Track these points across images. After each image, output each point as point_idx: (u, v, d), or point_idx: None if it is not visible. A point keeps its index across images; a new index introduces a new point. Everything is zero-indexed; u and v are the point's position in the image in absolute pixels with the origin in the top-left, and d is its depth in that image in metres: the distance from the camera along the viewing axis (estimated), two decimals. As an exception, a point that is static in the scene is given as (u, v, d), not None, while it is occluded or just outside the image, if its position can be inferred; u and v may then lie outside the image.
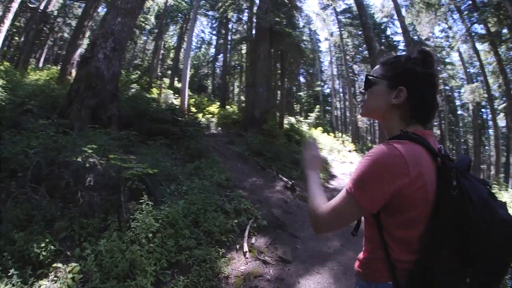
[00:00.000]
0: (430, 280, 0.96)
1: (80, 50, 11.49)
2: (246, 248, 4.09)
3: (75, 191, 3.23)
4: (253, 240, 4.45)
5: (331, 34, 27.41)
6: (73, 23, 18.05)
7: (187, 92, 13.34)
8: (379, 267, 1.10)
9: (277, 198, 6.40)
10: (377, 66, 1.26)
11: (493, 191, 1.03)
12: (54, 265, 2.53)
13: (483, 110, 27.28)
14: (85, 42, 12.34)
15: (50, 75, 11.32)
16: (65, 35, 21.33)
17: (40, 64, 17.17)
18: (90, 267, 2.60)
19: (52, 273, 2.48)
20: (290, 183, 7.43)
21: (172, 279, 3.03)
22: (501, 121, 19.90)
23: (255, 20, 14.61)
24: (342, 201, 1.07)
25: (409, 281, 1.01)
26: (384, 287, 1.07)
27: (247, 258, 3.94)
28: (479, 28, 16.29)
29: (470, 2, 14.95)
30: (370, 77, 1.24)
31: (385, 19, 23.86)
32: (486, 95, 16.37)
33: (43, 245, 2.56)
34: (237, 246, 4.14)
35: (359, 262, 1.24)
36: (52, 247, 2.61)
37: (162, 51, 23.41)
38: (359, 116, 26.08)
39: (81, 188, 3.26)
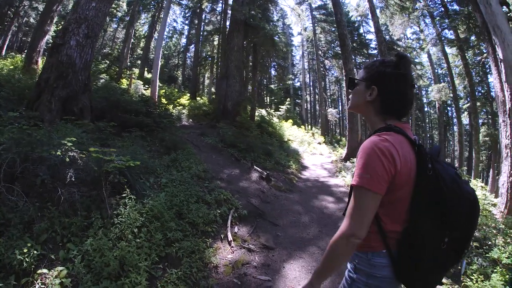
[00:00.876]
0: (417, 243, 1.16)
1: (48, 37, 10.50)
2: (230, 238, 4.08)
3: (52, 188, 2.93)
4: (235, 229, 4.45)
5: (305, 29, 27.65)
6: (41, 7, 16.01)
7: (158, 83, 12.88)
8: (374, 238, 1.25)
9: (254, 188, 6.42)
10: (361, 70, 1.45)
11: (459, 173, 1.26)
12: (39, 271, 2.26)
13: (448, 108, 29.40)
14: (53, 28, 11.32)
15: (14, 64, 10.24)
16: (31, 20, 18.99)
17: (3, 52, 15.51)
18: (79, 269, 2.38)
19: (38, 280, 2.23)
20: (265, 173, 7.48)
21: (165, 273, 2.92)
22: (465, 119, 21.52)
23: (229, 12, 14.32)
24: (356, 201, 1.17)
25: (399, 248, 1.22)
26: (379, 255, 1.25)
27: (232, 247, 3.93)
28: (449, 33, 17.23)
29: (443, 9, 15.66)
30: (355, 80, 1.45)
31: (359, 18, 24.45)
32: (452, 95, 17.40)
33: (25, 250, 2.28)
34: (222, 236, 4.12)
35: None
36: (35, 251, 2.33)
37: (132, 40, 22.25)
38: (329, 110, 26.76)
39: (60, 185, 2.97)
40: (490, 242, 3.94)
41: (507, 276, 2.82)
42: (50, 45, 8.21)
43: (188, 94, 19.92)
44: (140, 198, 3.68)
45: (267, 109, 19.57)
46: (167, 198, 4.00)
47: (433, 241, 1.15)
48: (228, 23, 14.99)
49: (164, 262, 3.09)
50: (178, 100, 16.19)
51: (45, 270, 2.29)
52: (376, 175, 1.13)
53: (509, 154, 5.54)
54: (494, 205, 5.76)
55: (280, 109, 19.77)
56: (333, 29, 25.05)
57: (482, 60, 14.67)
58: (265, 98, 32.90)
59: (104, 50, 23.94)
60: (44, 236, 2.56)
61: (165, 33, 22.91)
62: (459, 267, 1.29)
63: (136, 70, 20.07)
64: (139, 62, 24.39)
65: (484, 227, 4.34)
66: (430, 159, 1.17)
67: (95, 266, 2.47)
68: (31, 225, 2.58)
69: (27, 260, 2.25)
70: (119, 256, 2.62)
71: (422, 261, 1.17)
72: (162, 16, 16.49)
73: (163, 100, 13.66)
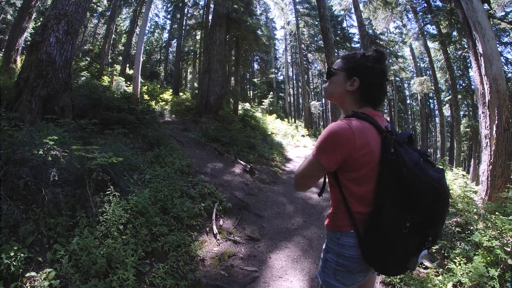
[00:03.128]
0: (381, 225, 1.22)
1: (26, 35, 9.94)
2: (215, 230, 4.12)
3: (36, 190, 2.88)
4: (220, 222, 4.49)
5: (288, 23, 27.43)
6: (18, 3, 15.02)
7: (140, 79, 12.62)
8: (342, 218, 1.35)
9: (238, 181, 6.46)
10: (338, 60, 1.49)
11: (430, 159, 1.31)
12: (27, 274, 2.24)
13: (430, 100, 29.98)
14: (32, 25, 10.79)
15: (-10, 63, 9.89)
16: (9, 17, 18.05)
17: (-21, 52, 14.73)
18: (67, 270, 2.37)
19: (27, 284, 2.20)
20: (249, 166, 7.52)
21: (152, 268, 2.94)
22: (446, 111, 22.14)
23: (212, 6, 14.08)
24: (308, 164, 1.36)
25: (365, 229, 1.28)
26: (347, 235, 1.33)
27: (218, 239, 3.97)
28: (431, 29, 17.35)
29: (426, 4, 15.70)
30: (332, 69, 1.49)
31: (342, 12, 24.27)
32: (433, 88, 17.64)
33: (12, 254, 2.24)
34: (207, 229, 4.15)
35: (327, 218, 1.46)
36: (22, 255, 2.30)
37: (113, 36, 21.54)
38: (312, 103, 26.87)
39: (43, 185, 2.92)
40: (472, 227, 4.09)
41: (488, 258, 2.91)
42: (29, 43, 7.87)
43: (171, 90, 19.62)
44: (125, 195, 3.68)
45: (250, 103, 19.50)
46: (151, 193, 4.00)
47: (396, 225, 1.19)
48: (210, 17, 14.75)
49: (151, 257, 3.11)
50: (161, 96, 15.93)
51: (33, 273, 2.27)
52: (327, 153, 1.26)
53: (488, 144, 5.66)
54: (475, 192, 5.94)
55: (263, 103, 19.77)
56: (316, 23, 24.93)
57: (463, 54, 15.00)
58: (248, 92, 32.76)
59: (85, 47, 22.96)
60: (31, 238, 2.53)
61: (147, 28, 22.20)
62: (417, 258, 1.28)
63: (118, 67, 19.45)
64: (120, 58, 23.54)
65: (466, 213, 4.50)
66: (393, 144, 1.22)
67: (82, 265, 2.47)
68: (17, 229, 2.54)
69: (14, 264, 2.22)
70: (106, 254, 2.63)
71: (385, 243, 1.22)
72: (144, 10, 16.00)
73: (146, 97, 13.41)
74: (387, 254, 1.25)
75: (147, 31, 26.36)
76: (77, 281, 2.34)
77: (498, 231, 3.20)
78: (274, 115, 19.53)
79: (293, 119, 31.99)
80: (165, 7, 28.49)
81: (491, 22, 6.37)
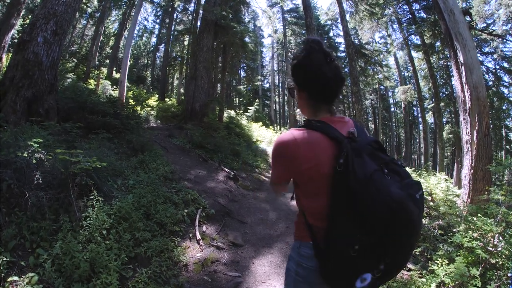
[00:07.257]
0: (330, 243, 1.11)
1: (13, 31, 9.60)
2: (198, 236, 4.14)
3: (19, 193, 2.82)
4: (204, 228, 4.52)
5: (275, 31, 27.74)
6: None
7: (126, 83, 12.49)
8: (302, 228, 1.28)
9: (222, 188, 6.50)
10: None
11: (401, 169, 1.14)
12: (10, 279, 2.19)
13: (414, 108, 30.74)
14: (19, 22, 10.41)
15: (-25, 61, 9.50)
16: None
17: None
18: (50, 274, 2.35)
19: None
20: (232, 173, 7.56)
21: (135, 273, 2.94)
22: (430, 118, 22.72)
23: (201, 12, 14.15)
24: (271, 175, 1.40)
25: (322, 243, 1.16)
26: (306, 246, 1.25)
27: (201, 245, 4.00)
28: (415, 39, 17.97)
29: (410, 16, 16.34)
30: (291, 88, 1.44)
31: (329, 22, 24.75)
32: (417, 96, 18.17)
33: None
34: (190, 235, 4.17)
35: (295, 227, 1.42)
36: (4, 258, 2.27)
37: (101, 38, 21.15)
38: (297, 110, 27.04)
39: (27, 188, 2.87)
40: (454, 230, 4.25)
41: (470, 258, 3.00)
42: (16, 41, 7.61)
43: (157, 95, 19.46)
44: (108, 200, 3.66)
45: (236, 110, 19.55)
46: (134, 199, 3.99)
47: (346, 245, 1.04)
48: (199, 23, 14.81)
49: (134, 262, 3.11)
50: (147, 101, 15.78)
51: (15, 278, 2.24)
52: (275, 170, 1.32)
53: (469, 149, 5.91)
54: (458, 195, 6.19)
55: (248, 110, 19.86)
56: (304, 32, 25.39)
57: (446, 63, 15.66)
58: (234, 99, 32.88)
59: (72, 48, 22.31)
60: (13, 242, 2.49)
61: (136, 31, 22.02)
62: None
63: (105, 70, 19.03)
64: (107, 61, 23.22)
65: (448, 216, 4.68)
66: (346, 154, 1.06)
67: (65, 270, 2.45)
68: (-2, 232, 2.50)
69: (-4, 268, 2.18)
70: (89, 258, 2.62)
71: (336, 262, 1.10)
72: (133, 13, 15.89)
73: (131, 101, 13.21)
74: (335, 274, 1.13)
75: (135, 35, 26.11)
76: (60, 285, 2.32)
77: (479, 232, 3.29)
78: (260, 122, 19.64)
79: (278, 127, 32.22)
80: (154, 11, 28.55)
81: (473, 33, 6.71)
